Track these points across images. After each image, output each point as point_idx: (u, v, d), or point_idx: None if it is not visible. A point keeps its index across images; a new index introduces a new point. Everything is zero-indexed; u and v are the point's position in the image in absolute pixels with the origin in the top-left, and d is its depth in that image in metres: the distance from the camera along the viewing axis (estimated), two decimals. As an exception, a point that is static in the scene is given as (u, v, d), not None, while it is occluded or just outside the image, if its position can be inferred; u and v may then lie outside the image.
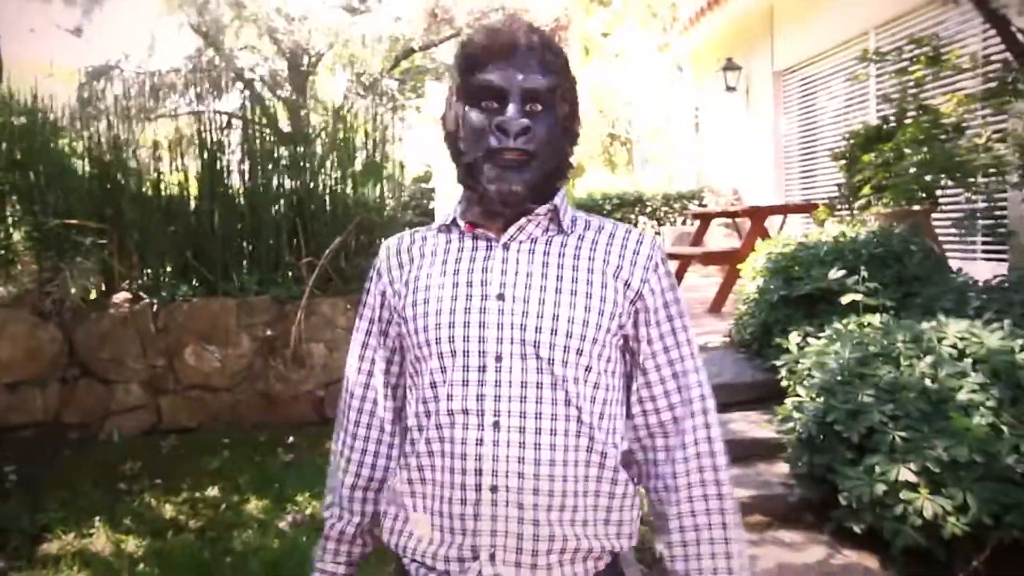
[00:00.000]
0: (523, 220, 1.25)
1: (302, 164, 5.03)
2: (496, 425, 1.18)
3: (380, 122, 5.51)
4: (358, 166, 5.29)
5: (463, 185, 1.29)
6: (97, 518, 3.60)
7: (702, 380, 1.30)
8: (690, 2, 10.38)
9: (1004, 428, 2.93)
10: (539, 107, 1.22)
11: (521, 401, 1.18)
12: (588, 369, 1.21)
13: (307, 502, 3.77)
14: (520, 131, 1.19)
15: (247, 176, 5.02)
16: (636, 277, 1.26)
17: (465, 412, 1.19)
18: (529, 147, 1.20)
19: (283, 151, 5.16)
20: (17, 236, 4.71)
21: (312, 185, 5.03)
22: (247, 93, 14.81)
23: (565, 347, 1.20)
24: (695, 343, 1.32)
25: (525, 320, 1.20)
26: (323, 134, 5.52)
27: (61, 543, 3.46)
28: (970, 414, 2.98)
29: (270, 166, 5.04)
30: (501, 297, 1.22)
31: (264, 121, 7.20)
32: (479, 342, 1.20)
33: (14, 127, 4.71)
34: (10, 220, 4.79)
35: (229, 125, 6.10)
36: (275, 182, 4.94)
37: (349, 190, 5.12)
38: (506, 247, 1.25)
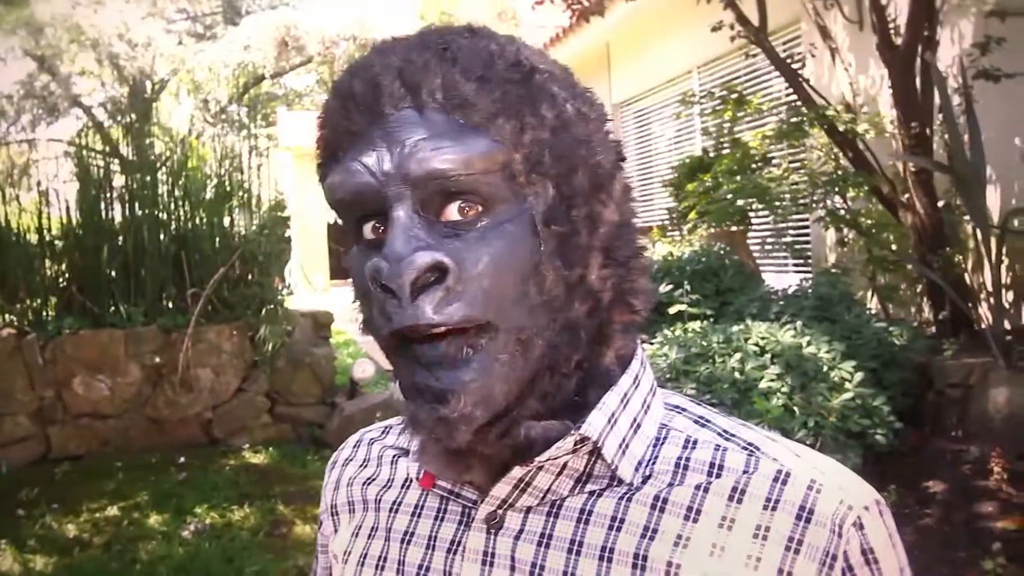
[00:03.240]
0: (524, 470, 0.59)
1: (146, 192, 5.17)
2: None
3: (230, 150, 5.68)
4: (208, 195, 5.48)
5: None
6: (2, 540, 3.81)
7: None
8: (531, 38, 11.15)
9: (796, 409, 3.67)
10: (476, 205, 0.55)
11: None
12: None
13: (206, 513, 4.10)
14: (418, 283, 0.53)
15: (126, 208, 5.25)
16: None
17: None
18: (450, 313, 0.53)
19: (125, 179, 5.30)
20: None
21: (193, 218, 5.32)
22: (86, 120, 14.59)
23: None
24: None
25: None
26: (168, 163, 5.61)
27: (-31, 567, 3.66)
28: (769, 399, 3.70)
29: (112, 195, 5.22)
30: None
31: (107, 149, 7.23)
32: None
33: None
34: None
35: (67, 155, 6.16)
36: (158, 215, 5.20)
37: (226, 221, 5.44)
38: (494, 527, 0.62)
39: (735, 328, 4.17)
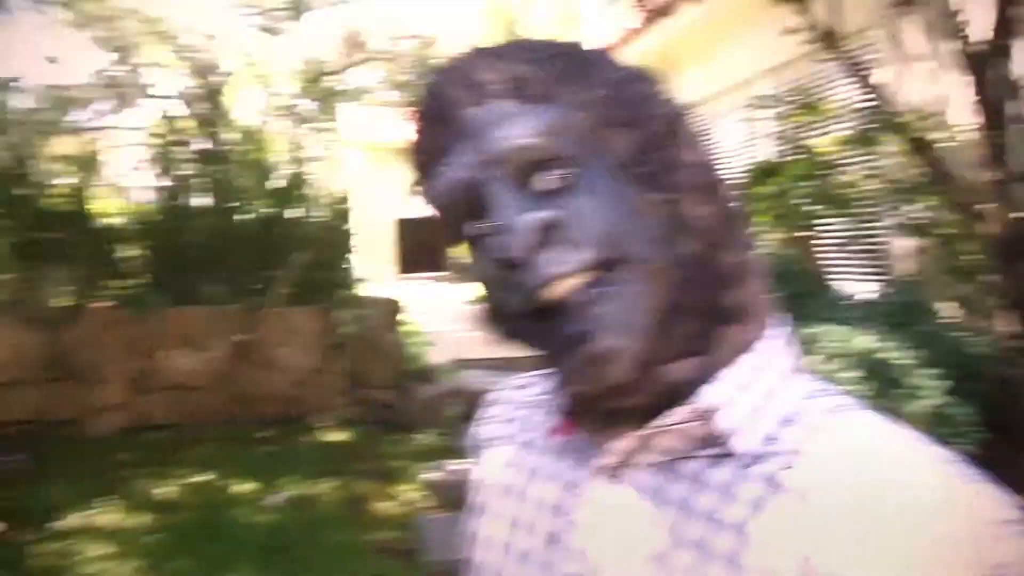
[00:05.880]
0: (646, 432, 0.60)
1: (222, 180, 5.40)
2: None
3: (297, 143, 5.89)
4: (281, 184, 5.68)
5: None
6: (101, 499, 4.03)
7: None
8: (593, 45, 11.21)
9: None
10: (560, 169, 0.59)
11: None
12: None
13: (288, 485, 4.29)
14: (536, 243, 0.57)
15: (210, 196, 5.47)
16: None
17: None
18: (576, 260, 0.57)
19: (204, 168, 5.53)
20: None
21: (271, 205, 5.53)
22: (160, 111, 14.93)
23: None
24: None
25: None
26: (241, 153, 5.82)
27: (72, 521, 3.89)
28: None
29: (193, 183, 5.45)
30: None
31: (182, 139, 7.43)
32: None
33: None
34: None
35: (143, 144, 6.39)
36: (240, 202, 5.42)
37: (300, 211, 5.64)
38: (612, 479, 0.63)
39: (807, 332, 4.23)
